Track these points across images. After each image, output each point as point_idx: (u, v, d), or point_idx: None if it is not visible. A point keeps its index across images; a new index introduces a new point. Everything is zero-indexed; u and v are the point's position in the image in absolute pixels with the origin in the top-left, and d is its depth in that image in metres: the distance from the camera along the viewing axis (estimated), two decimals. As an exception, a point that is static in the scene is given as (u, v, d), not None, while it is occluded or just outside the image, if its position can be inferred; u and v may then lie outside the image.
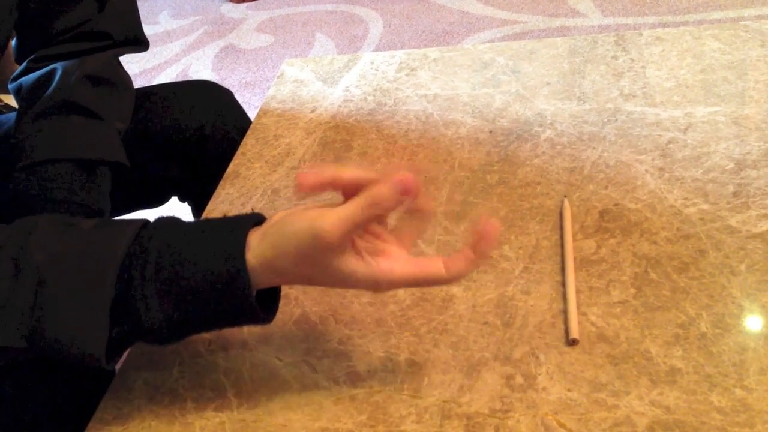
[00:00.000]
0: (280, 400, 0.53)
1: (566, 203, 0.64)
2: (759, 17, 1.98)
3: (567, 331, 0.53)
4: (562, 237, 0.61)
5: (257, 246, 0.46)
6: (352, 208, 0.45)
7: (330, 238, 0.45)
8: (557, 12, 2.17)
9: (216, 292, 0.45)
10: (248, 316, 0.47)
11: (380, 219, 0.50)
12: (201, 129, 0.93)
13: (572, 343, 0.53)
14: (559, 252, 0.60)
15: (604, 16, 2.12)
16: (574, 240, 0.61)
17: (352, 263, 0.46)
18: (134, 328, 0.46)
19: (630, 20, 2.07)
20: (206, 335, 0.59)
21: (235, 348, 0.58)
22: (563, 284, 0.57)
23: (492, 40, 2.09)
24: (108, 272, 0.45)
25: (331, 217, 0.45)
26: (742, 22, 0.85)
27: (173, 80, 2.12)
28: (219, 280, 0.45)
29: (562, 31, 2.07)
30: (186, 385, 0.55)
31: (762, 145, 0.66)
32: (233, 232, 0.47)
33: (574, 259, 0.59)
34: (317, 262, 0.46)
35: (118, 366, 0.56)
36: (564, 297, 0.56)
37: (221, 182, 0.77)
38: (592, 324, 0.54)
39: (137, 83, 0.85)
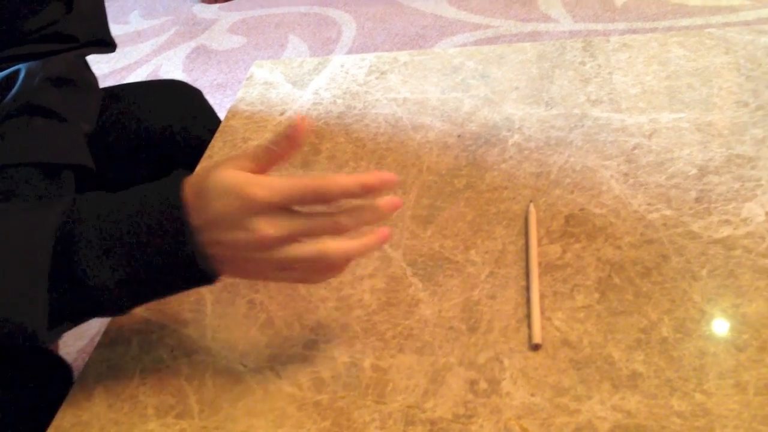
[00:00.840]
0: (243, 406, 0.52)
1: (531, 208, 0.64)
2: (724, 25, 2.02)
3: (530, 336, 0.54)
4: (527, 242, 0.62)
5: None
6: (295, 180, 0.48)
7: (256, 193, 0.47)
8: (529, 17, 2.19)
9: (157, 237, 0.46)
10: (192, 263, 0.47)
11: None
12: (170, 130, 0.92)
13: (535, 348, 0.53)
14: (524, 257, 0.61)
15: (575, 21, 2.14)
16: (540, 245, 0.61)
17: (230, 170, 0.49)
18: (80, 293, 0.46)
19: (600, 26, 2.10)
20: (169, 341, 0.58)
21: (199, 354, 0.57)
22: (528, 289, 0.58)
23: (464, 44, 2.10)
24: (42, 240, 0.46)
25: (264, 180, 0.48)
26: (707, 30, 0.86)
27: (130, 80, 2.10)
28: (159, 226, 0.47)
29: (534, 36, 2.08)
30: (147, 392, 0.54)
31: (724, 152, 0.67)
32: (167, 185, 0.49)
33: (540, 264, 0.60)
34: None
35: (76, 374, 0.55)
36: (528, 302, 0.56)
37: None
38: (557, 329, 0.54)
39: (106, 83, 0.84)
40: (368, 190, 0.48)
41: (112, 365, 0.57)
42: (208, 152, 0.81)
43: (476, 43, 2.08)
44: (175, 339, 0.58)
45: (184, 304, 0.61)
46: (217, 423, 0.51)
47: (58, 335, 0.50)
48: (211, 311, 0.60)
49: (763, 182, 0.63)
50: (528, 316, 0.55)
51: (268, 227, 0.47)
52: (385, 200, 0.49)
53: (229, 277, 0.50)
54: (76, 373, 0.61)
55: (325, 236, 0.48)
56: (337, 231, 0.48)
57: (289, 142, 0.50)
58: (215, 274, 0.49)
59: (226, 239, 0.47)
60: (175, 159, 0.93)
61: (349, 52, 2.07)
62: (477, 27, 2.17)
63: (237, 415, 0.52)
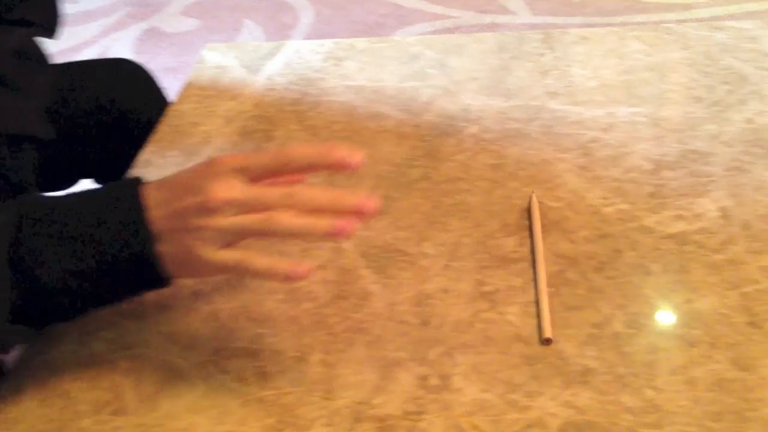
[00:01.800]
0: (184, 402, 0.50)
1: (534, 199, 0.63)
2: (679, 21, 2.05)
3: (540, 330, 0.52)
4: (531, 233, 0.60)
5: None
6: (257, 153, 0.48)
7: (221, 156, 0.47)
8: (488, 8, 2.19)
9: (109, 233, 0.46)
10: (145, 258, 0.47)
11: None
12: (118, 109, 0.89)
13: (546, 342, 0.52)
14: (481, 250, 0.59)
15: (534, 14, 2.14)
16: (495, 238, 0.60)
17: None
18: (34, 289, 0.46)
19: (559, 20, 2.11)
20: (107, 334, 0.55)
21: (138, 347, 0.54)
22: (534, 283, 0.56)
23: (423, 34, 2.09)
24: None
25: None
26: (664, 25, 0.86)
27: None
28: (110, 217, 0.47)
29: (492, 28, 2.08)
30: (82, 387, 0.52)
31: (679, 147, 0.67)
32: (125, 185, 0.49)
33: (495, 257, 0.59)
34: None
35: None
36: (536, 295, 0.55)
37: (131, 171, 0.73)
38: (510, 324, 0.53)
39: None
40: (330, 161, 0.47)
41: (46, 359, 0.54)
42: (155, 136, 0.78)
43: (435, 33, 2.07)
44: (113, 332, 0.55)
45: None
46: (156, 420, 0.49)
47: (15, 341, 0.50)
48: (153, 303, 0.58)
49: (715, 178, 0.63)
50: (537, 310, 0.54)
51: (219, 189, 0.46)
52: (353, 197, 0.47)
53: (171, 266, 0.48)
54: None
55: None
56: (291, 206, 0.47)
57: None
58: (161, 263, 0.47)
59: (177, 207, 0.47)
60: (126, 140, 0.89)
61: (306, 38, 2.04)
62: (436, 17, 2.16)
63: (177, 412, 0.49)
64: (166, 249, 0.47)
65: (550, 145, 0.70)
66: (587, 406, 0.47)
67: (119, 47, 2.08)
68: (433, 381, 0.50)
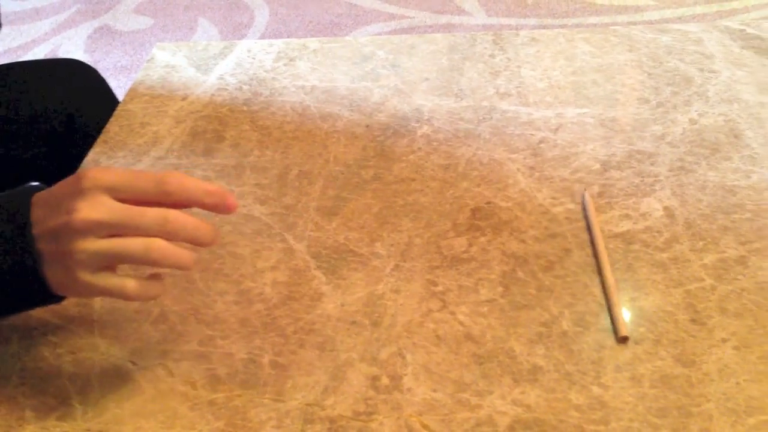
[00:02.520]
0: (132, 406, 0.49)
1: (587, 196, 0.63)
2: (630, 23, 2.09)
3: (616, 329, 0.52)
4: (590, 232, 0.60)
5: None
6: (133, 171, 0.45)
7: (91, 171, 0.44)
8: (444, 9, 2.20)
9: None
10: (33, 277, 0.44)
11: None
12: (65, 110, 0.87)
13: (623, 340, 0.52)
14: (432, 250, 0.60)
15: (488, 15, 2.16)
16: (446, 237, 0.61)
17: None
18: None
19: (513, 21, 2.13)
20: (53, 338, 0.54)
21: (84, 351, 0.53)
22: (602, 281, 0.56)
23: (379, 34, 2.09)
24: None
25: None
26: (612, 27, 0.88)
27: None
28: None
29: (448, 28, 2.10)
30: (26, 393, 0.50)
31: (626, 147, 0.69)
32: (19, 196, 0.46)
33: (446, 257, 0.59)
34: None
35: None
36: (605, 294, 0.55)
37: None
38: (460, 323, 0.54)
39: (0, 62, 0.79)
40: (212, 203, 0.45)
41: (-12, 365, 0.53)
42: (103, 136, 0.76)
43: (391, 33, 2.07)
44: (58, 336, 0.54)
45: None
46: (102, 425, 0.48)
47: None
48: (100, 306, 0.57)
49: (661, 178, 0.65)
50: (608, 308, 0.54)
51: (83, 209, 0.43)
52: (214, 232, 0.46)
53: (56, 286, 0.45)
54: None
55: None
56: (163, 234, 0.44)
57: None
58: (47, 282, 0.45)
59: (49, 226, 0.44)
60: (69, 141, 0.88)
61: (262, 37, 2.03)
62: (392, 17, 2.16)
63: (124, 416, 0.48)
64: (48, 269, 0.44)
65: (500, 145, 0.70)
66: (536, 404, 0.48)
67: (70, 45, 2.04)
68: (384, 381, 0.50)
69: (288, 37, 2.06)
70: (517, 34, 0.88)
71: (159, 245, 0.43)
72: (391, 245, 0.61)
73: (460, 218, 0.63)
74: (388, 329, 0.54)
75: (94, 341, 0.54)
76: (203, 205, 0.45)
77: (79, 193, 0.43)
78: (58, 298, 0.47)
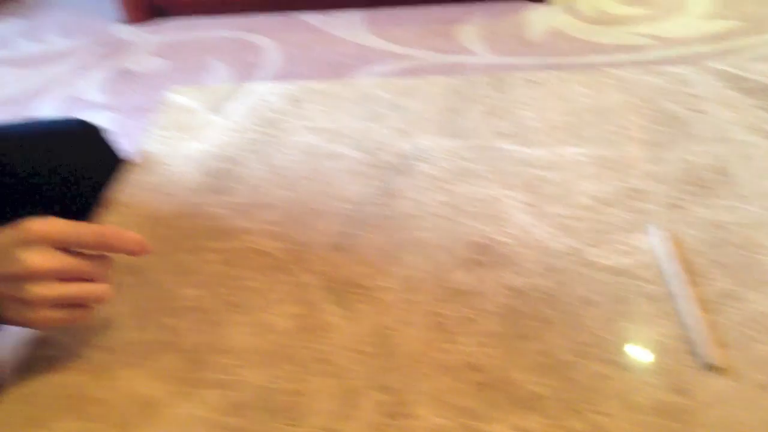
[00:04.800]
0: (154, 426, 0.52)
1: (663, 232, 0.65)
2: (632, 63, 2.14)
3: (707, 358, 0.54)
4: (673, 265, 0.62)
5: None
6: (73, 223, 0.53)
7: (27, 223, 0.51)
8: (449, 49, 2.26)
9: None
10: None
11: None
12: (64, 173, 0.88)
13: (715, 369, 0.54)
14: (435, 283, 0.63)
15: (493, 54, 2.22)
16: (448, 272, 0.64)
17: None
18: None
19: (516, 59, 2.18)
20: (81, 365, 0.57)
21: (109, 379, 0.56)
22: (686, 312, 0.59)
23: (385, 74, 2.15)
24: None
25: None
26: (606, 69, 0.92)
27: (59, 103, 2.04)
28: None
29: (453, 68, 2.15)
30: (57, 417, 0.53)
31: (618, 185, 0.72)
32: None
33: (447, 289, 0.62)
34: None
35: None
36: (692, 325, 0.57)
37: (100, 210, 0.75)
38: (464, 353, 0.56)
39: (19, 105, 0.82)
40: (138, 250, 0.55)
41: (24, 392, 0.56)
42: (122, 174, 0.80)
43: (399, 72, 2.13)
44: (81, 362, 0.57)
45: (94, 326, 0.61)
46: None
47: None
48: (121, 336, 0.60)
49: (652, 214, 0.68)
50: (695, 338, 0.56)
51: (35, 259, 0.51)
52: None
53: (12, 322, 0.53)
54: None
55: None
56: (96, 276, 0.55)
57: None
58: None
59: (3, 273, 0.51)
60: (75, 200, 0.88)
61: (272, 78, 2.08)
62: (399, 57, 2.22)
63: (144, 443, 0.51)
64: (3, 309, 0.53)
65: (498, 182, 0.74)
66: (536, 430, 0.50)
67: (87, 87, 2.10)
68: (393, 408, 0.53)
69: (297, 77, 2.11)
70: (515, 77, 0.92)
71: (97, 291, 0.55)
72: (396, 279, 0.64)
73: (461, 252, 0.66)
74: (396, 358, 0.56)
75: (117, 371, 0.57)
76: (131, 252, 0.55)
77: (26, 244, 0.51)
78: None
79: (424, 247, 0.67)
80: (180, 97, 0.94)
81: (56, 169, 0.88)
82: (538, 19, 2.35)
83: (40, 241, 0.51)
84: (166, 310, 0.62)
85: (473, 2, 2.46)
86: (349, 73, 2.16)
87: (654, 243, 0.65)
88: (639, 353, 0.55)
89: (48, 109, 2.03)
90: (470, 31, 2.35)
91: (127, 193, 0.77)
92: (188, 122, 0.89)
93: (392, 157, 0.79)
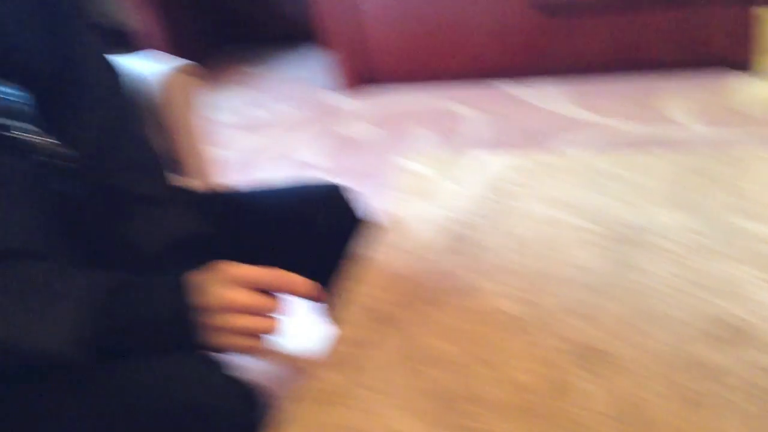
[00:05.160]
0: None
1: None
2: None
3: None
4: None
5: None
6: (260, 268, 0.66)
7: (224, 265, 0.65)
8: (650, 119, 2.23)
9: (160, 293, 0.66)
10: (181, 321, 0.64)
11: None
12: (316, 228, 0.97)
13: None
14: (682, 357, 0.64)
15: (704, 125, 2.15)
16: (693, 345, 0.65)
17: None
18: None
19: (726, 131, 2.11)
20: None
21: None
22: None
23: (584, 143, 2.16)
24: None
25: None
26: None
27: (285, 165, 2.25)
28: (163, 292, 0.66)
29: (656, 139, 2.11)
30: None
31: None
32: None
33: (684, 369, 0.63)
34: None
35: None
36: None
37: (346, 265, 0.84)
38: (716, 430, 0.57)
39: (250, 167, 0.89)
40: (313, 297, 0.67)
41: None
42: (373, 237, 0.88)
43: (606, 144, 2.13)
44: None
45: (362, 366, 0.68)
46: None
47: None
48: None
49: None
50: None
51: (232, 294, 0.63)
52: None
53: (207, 345, 0.64)
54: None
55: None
56: (270, 311, 0.66)
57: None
58: (200, 338, 0.64)
59: (205, 304, 0.63)
60: (317, 253, 0.95)
61: (474, 144, 2.16)
62: (601, 127, 2.23)
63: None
64: (202, 335, 0.64)
65: (735, 259, 0.74)
66: None
67: (304, 150, 2.30)
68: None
69: (498, 144, 2.18)
70: (746, 151, 0.91)
71: (272, 325, 0.66)
72: (640, 349, 0.66)
73: (704, 327, 0.66)
74: (646, 426, 0.59)
75: (377, 407, 0.64)
76: (302, 295, 0.67)
77: (221, 282, 0.64)
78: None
79: (663, 319, 0.68)
80: (412, 163, 1.03)
81: (308, 224, 0.98)
82: (744, 88, 2.26)
83: (232, 280, 0.64)
84: (419, 359, 0.68)
85: (673, 70, 2.41)
86: (546, 141, 2.19)
87: None
88: None
89: (275, 169, 2.25)
90: (672, 100, 2.31)
91: (372, 249, 0.86)
92: (423, 187, 0.97)
93: (625, 229, 0.81)
